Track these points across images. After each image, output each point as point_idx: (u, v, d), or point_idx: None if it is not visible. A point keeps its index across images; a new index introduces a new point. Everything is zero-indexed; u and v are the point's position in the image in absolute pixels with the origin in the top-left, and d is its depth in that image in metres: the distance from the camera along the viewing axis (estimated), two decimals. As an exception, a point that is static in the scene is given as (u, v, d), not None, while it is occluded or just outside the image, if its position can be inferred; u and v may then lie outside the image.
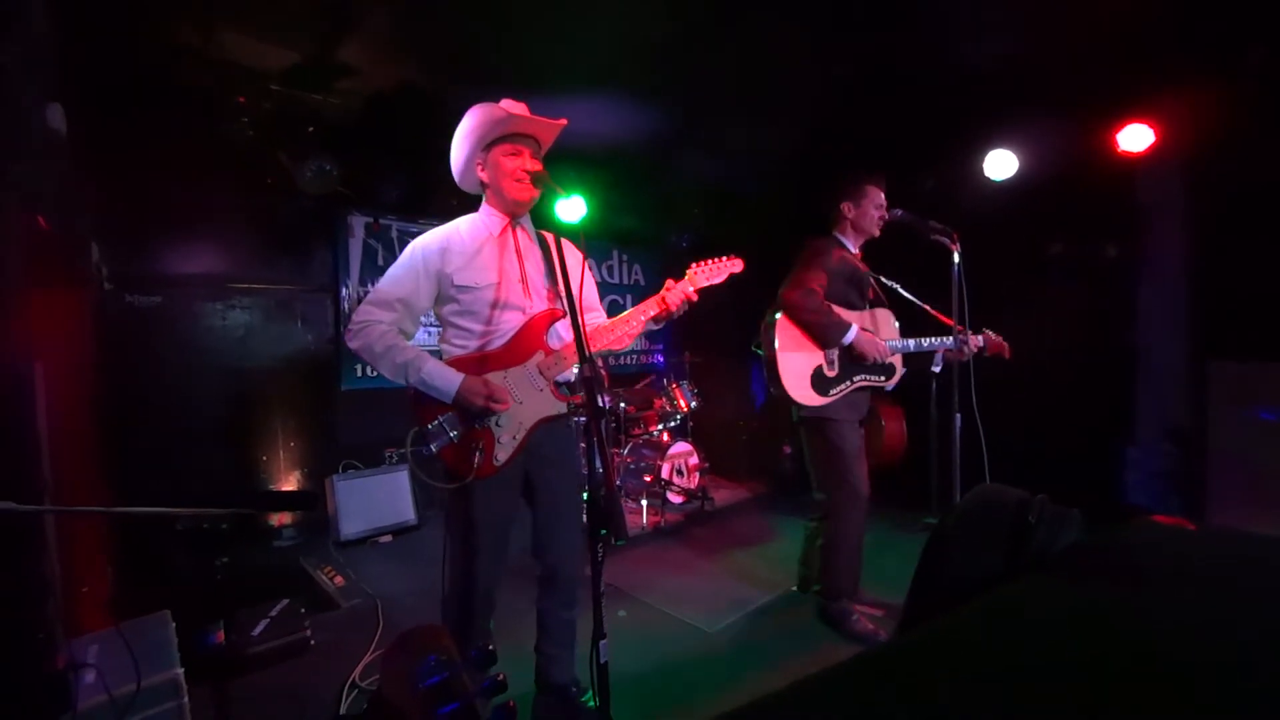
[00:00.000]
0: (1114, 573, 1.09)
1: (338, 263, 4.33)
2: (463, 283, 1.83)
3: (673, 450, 4.40)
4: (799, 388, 2.54)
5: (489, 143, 1.87)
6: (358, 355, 1.87)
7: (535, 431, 1.84)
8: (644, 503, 4.23)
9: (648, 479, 4.26)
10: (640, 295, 5.81)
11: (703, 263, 1.97)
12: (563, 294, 1.57)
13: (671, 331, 6.26)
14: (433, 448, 1.78)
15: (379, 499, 4.07)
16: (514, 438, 1.81)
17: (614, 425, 4.54)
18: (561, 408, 1.88)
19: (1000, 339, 2.69)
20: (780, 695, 0.76)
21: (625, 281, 6.02)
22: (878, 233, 2.71)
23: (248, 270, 3.97)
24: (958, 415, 2.64)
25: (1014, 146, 3.78)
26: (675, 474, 4.44)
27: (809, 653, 2.49)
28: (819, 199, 2.84)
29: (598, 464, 1.43)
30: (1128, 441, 3.78)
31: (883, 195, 2.67)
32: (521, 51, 3.13)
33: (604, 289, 5.73)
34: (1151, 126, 3.41)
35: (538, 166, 1.84)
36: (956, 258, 2.61)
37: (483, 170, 1.90)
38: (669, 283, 1.91)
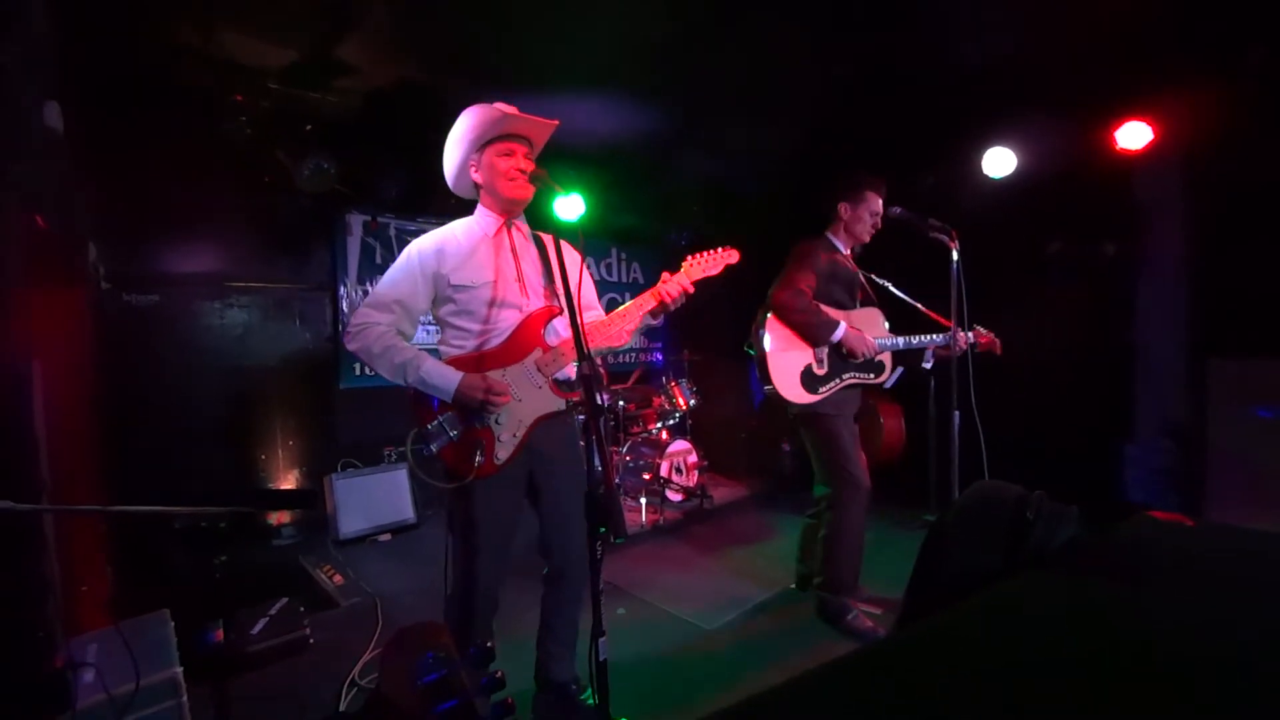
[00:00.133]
0: (1112, 569, 1.09)
1: (336, 261, 4.32)
2: (459, 282, 1.83)
3: (672, 448, 4.41)
4: (789, 386, 2.58)
5: (483, 143, 1.87)
6: (356, 356, 1.87)
7: (536, 429, 1.84)
8: (643, 501, 4.23)
9: (647, 477, 4.26)
10: (639, 294, 5.79)
11: (698, 254, 1.97)
12: (560, 292, 1.56)
13: (670, 330, 6.27)
14: (433, 448, 1.78)
15: (378, 498, 4.07)
16: (514, 435, 1.81)
17: (613, 423, 4.54)
18: (561, 404, 1.88)
19: (991, 335, 2.71)
20: (779, 691, 0.76)
21: (624, 280, 6.02)
22: (868, 239, 2.75)
23: (246, 269, 3.97)
24: (956, 413, 2.65)
25: (1012, 144, 3.79)
26: (674, 472, 4.44)
27: (807, 650, 2.49)
28: (818, 198, 2.85)
29: (596, 462, 1.43)
30: (1126, 439, 3.78)
31: (880, 203, 2.70)
32: (521, 51, 3.13)
33: (603, 287, 5.73)
34: (1150, 124, 3.41)
35: (531, 166, 1.85)
36: (955, 256, 2.62)
37: (476, 171, 1.91)
38: (665, 275, 1.91)
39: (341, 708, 2.20)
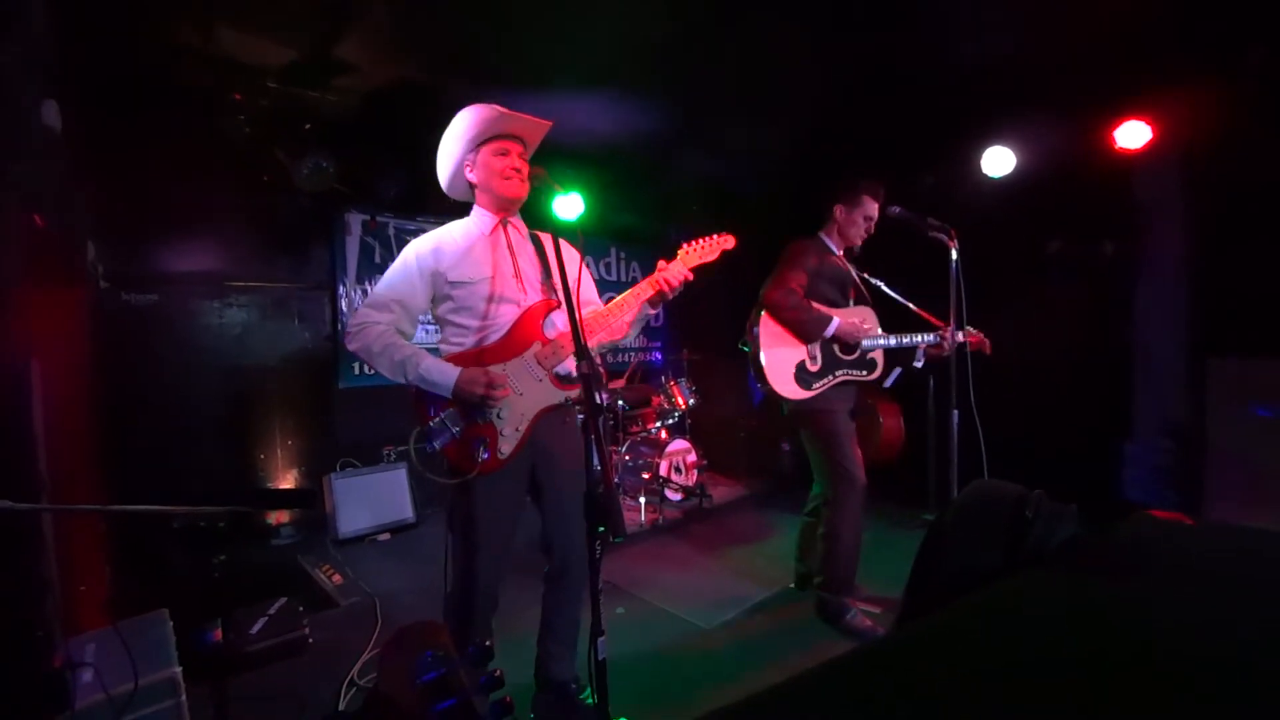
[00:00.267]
0: (1112, 568, 1.10)
1: (335, 261, 4.32)
2: (456, 279, 1.84)
3: (671, 448, 4.41)
4: (783, 382, 2.61)
5: (479, 143, 1.88)
6: (357, 356, 1.87)
7: (538, 423, 1.85)
8: (642, 500, 4.23)
9: (646, 476, 4.26)
10: (639, 294, 5.78)
11: (695, 241, 1.97)
12: (558, 287, 1.57)
13: (669, 329, 6.27)
14: (436, 445, 1.78)
15: (377, 497, 4.07)
16: (517, 429, 1.81)
17: (612, 423, 4.54)
18: (562, 397, 1.88)
19: (980, 335, 2.72)
20: (778, 690, 0.76)
21: (623, 279, 6.02)
22: (859, 243, 2.77)
23: (244, 268, 3.96)
24: (955, 412, 2.66)
25: (1012, 144, 3.79)
26: (673, 471, 4.44)
27: (807, 649, 2.49)
28: (818, 198, 2.86)
29: (595, 461, 1.43)
30: (1126, 438, 3.78)
31: (875, 208, 2.71)
32: (521, 51, 3.12)
33: (602, 286, 5.67)
34: (1149, 124, 3.41)
35: (525, 166, 1.88)
36: (954, 255, 2.63)
37: (472, 171, 1.91)
38: (661, 263, 1.91)
39: (341, 707, 2.20)
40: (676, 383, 4.68)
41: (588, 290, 2.11)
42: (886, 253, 2.95)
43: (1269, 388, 3.28)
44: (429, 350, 1.84)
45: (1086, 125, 3.59)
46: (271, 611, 2.57)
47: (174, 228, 3.67)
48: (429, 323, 2.15)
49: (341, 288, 4.32)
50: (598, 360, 1.84)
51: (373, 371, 4.33)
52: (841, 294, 2.77)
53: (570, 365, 1.87)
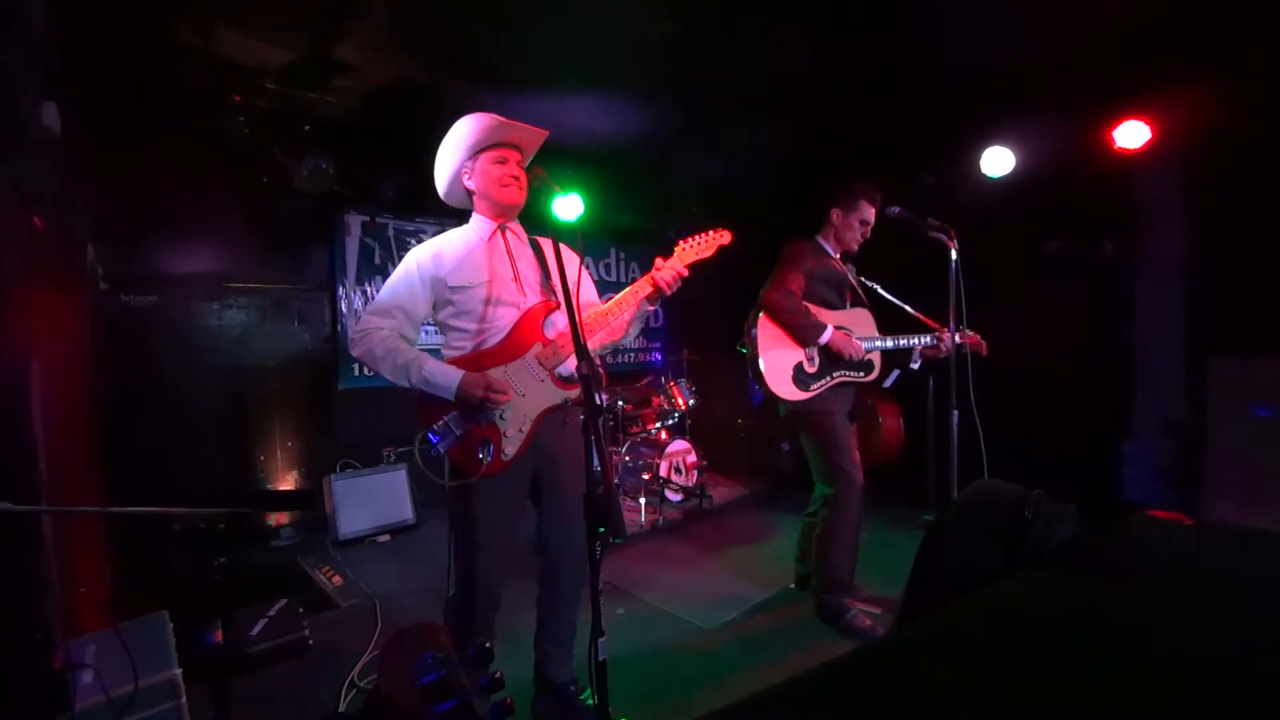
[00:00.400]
0: (1111, 568, 1.09)
1: (334, 262, 4.32)
2: (456, 283, 1.86)
3: (671, 448, 4.41)
4: (781, 383, 2.61)
5: (477, 151, 1.91)
6: (361, 362, 1.88)
7: (541, 423, 1.86)
8: (642, 501, 4.23)
9: (646, 477, 4.26)
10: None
11: (691, 238, 1.98)
12: (557, 289, 1.58)
13: (669, 330, 6.27)
14: (440, 447, 1.79)
15: (377, 498, 4.07)
16: (520, 430, 1.82)
17: (612, 423, 4.54)
18: (565, 397, 1.89)
19: (977, 336, 2.72)
20: (778, 691, 0.76)
21: (623, 279, 6.02)
22: (855, 247, 2.78)
23: (244, 269, 3.96)
24: (955, 412, 2.66)
25: (1011, 144, 3.79)
26: (673, 472, 4.44)
27: (807, 649, 2.49)
28: (817, 198, 2.86)
29: (595, 461, 1.43)
30: (1126, 438, 3.78)
31: (872, 213, 2.72)
32: (521, 51, 3.12)
33: (601, 286, 5.66)
34: (1148, 124, 3.41)
35: (523, 174, 1.90)
36: (954, 255, 2.63)
37: (470, 178, 1.94)
38: (658, 261, 1.93)
39: (341, 709, 2.20)
40: (676, 383, 4.68)
41: (588, 292, 2.12)
42: (886, 253, 2.95)
43: (1269, 388, 3.28)
44: (431, 352, 1.85)
45: (1086, 125, 3.59)
46: (272, 613, 2.57)
47: (174, 229, 3.68)
48: (428, 325, 2.17)
49: (341, 289, 4.32)
50: (597, 361, 1.84)
51: (372, 373, 4.32)
52: (838, 296, 2.78)
53: (571, 365, 1.88)
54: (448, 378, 1.76)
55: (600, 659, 1.37)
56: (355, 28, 2.90)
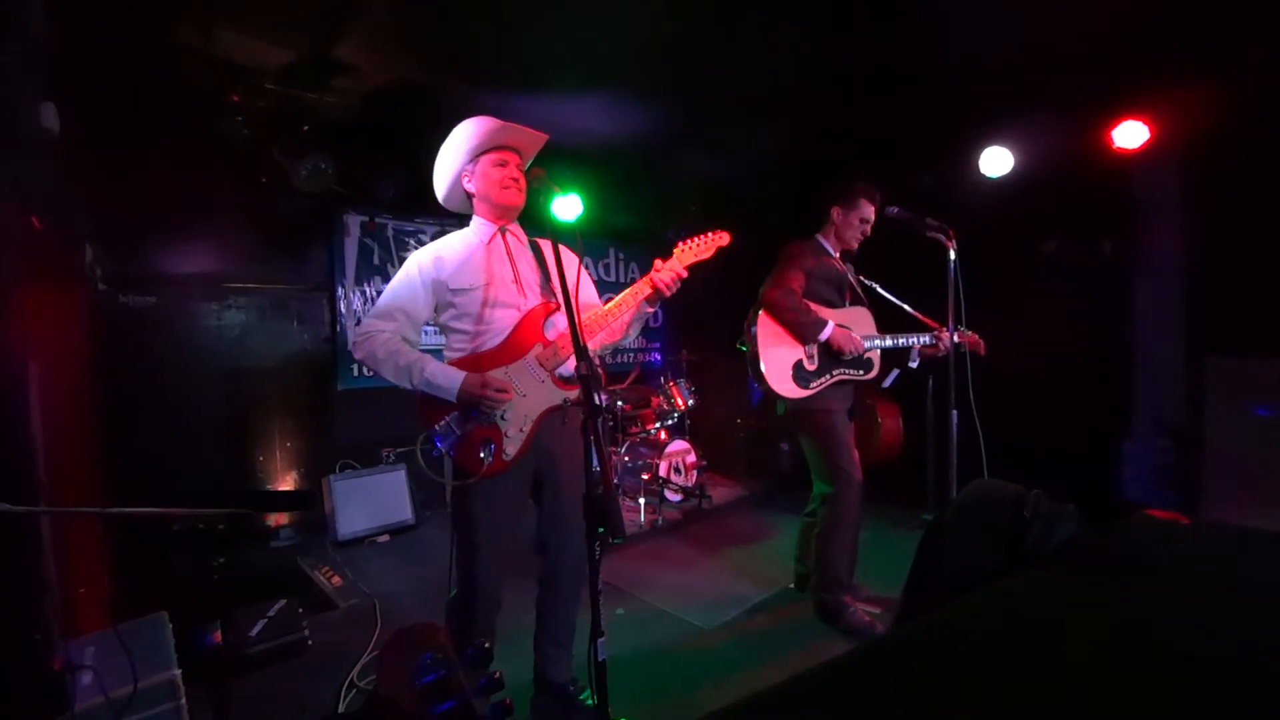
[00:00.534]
0: (1110, 567, 1.10)
1: (333, 262, 4.31)
2: (457, 286, 1.88)
3: (670, 448, 4.41)
4: (781, 381, 2.62)
5: (478, 154, 1.92)
6: (363, 364, 1.91)
7: (543, 424, 1.87)
8: (642, 501, 4.23)
9: (645, 477, 4.26)
10: (638, 294, 5.78)
11: (690, 239, 1.99)
12: (557, 291, 1.59)
13: (669, 330, 6.27)
14: (442, 447, 1.81)
15: (376, 498, 4.07)
16: (521, 430, 1.83)
17: (611, 424, 4.54)
18: (566, 397, 1.90)
19: (975, 336, 2.72)
20: (778, 690, 0.76)
21: (622, 280, 6.02)
22: (855, 245, 2.79)
23: (243, 270, 3.96)
24: (954, 412, 2.67)
25: (1010, 144, 3.79)
26: (673, 472, 4.44)
27: (806, 649, 2.49)
28: (817, 198, 2.87)
29: (594, 462, 1.44)
30: (1124, 437, 3.78)
31: (872, 210, 2.73)
32: (521, 51, 3.12)
33: (600, 287, 5.68)
34: (1147, 124, 3.41)
35: (523, 177, 1.91)
36: (953, 255, 2.64)
37: (470, 180, 1.95)
38: (657, 262, 1.94)
39: (340, 709, 2.20)
40: (676, 383, 4.68)
41: (588, 292, 2.13)
42: (885, 253, 2.95)
43: (1269, 388, 3.29)
44: (432, 353, 1.86)
45: (1085, 125, 3.59)
46: (271, 613, 2.56)
47: (173, 229, 3.67)
48: (430, 325, 2.18)
49: (340, 289, 4.32)
50: (597, 362, 1.85)
51: (371, 373, 4.32)
52: (838, 295, 2.79)
53: (571, 366, 1.89)
54: (449, 379, 1.77)
55: (600, 659, 1.37)
56: (355, 28, 2.90)
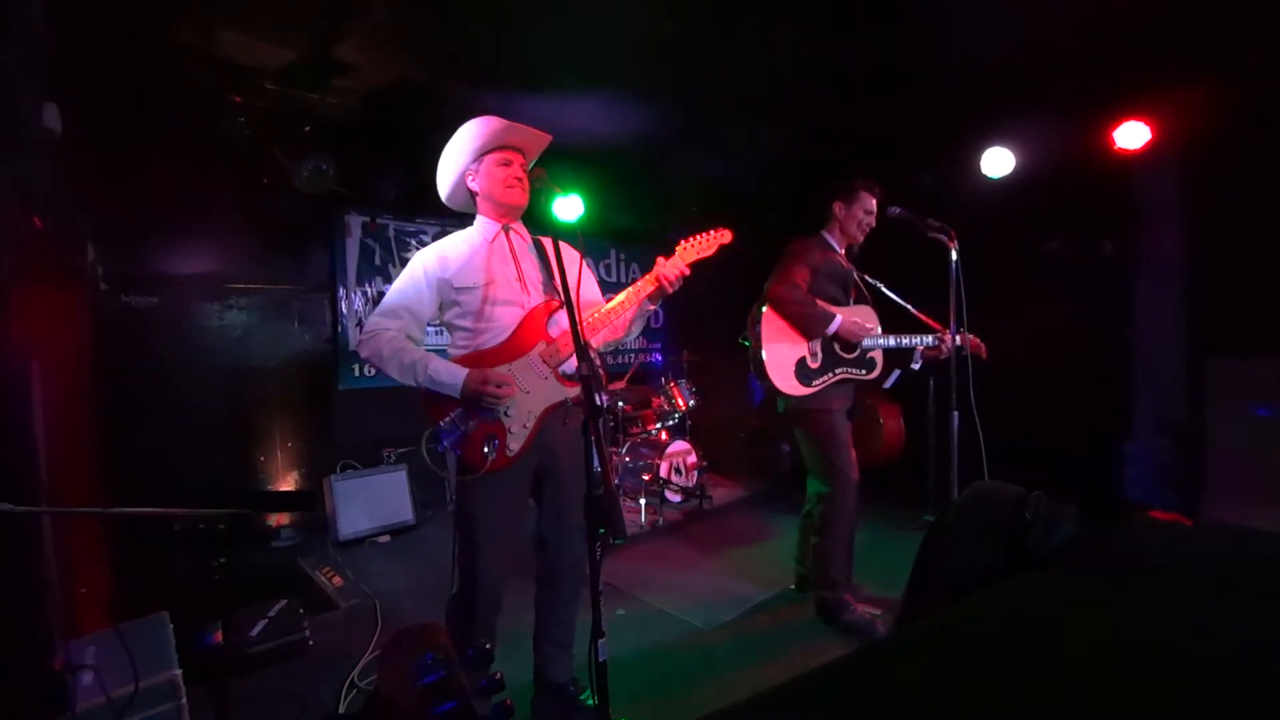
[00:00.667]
0: (1111, 568, 1.10)
1: (335, 262, 4.32)
2: (461, 284, 1.89)
3: (671, 449, 4.41)
4: (783, 377, 2.62)
5: (482, 153, 1.94)
6: (369, 362, 1.91)
7: (545, 421, 1.88)
8: (642, 501, 4.23)
9: (646, 478, 4.26)
10: (638, 294, 5.78)
11: (692, 237, 2.01)
12: (559, 289, 1.59)
13: (670, 330, 6.26)
14: (446, 443, 1.82)
15: (377, 499, 4.07)
16: (524, 426, 1.84)
17: (612, 424, 4.54)
18: (569, 394, 1.90)
19: (977, 340, 2.72)
20: (778, 690, 0.76)
21: (623, 280, 6.02)
22: (861, 239, 2.79)
23: (244, 270, 3.96)
24: (955, 413, 2.66)
25: (1011, 144, 3.79)
26: (673, 472, 4.44)
27: (807, 649, 2.49)
28: (818, 198, 2.87)
29: (595, 462, 1.44)
30: (1125, 438, 3.78)
31: (874, 202, 2.74)
32: (521, 51, 3.12)
33: (602, 287, 5.71)
34: (1148, 124, 3.41)
35: (526, 176, 1.93)
36: (954, 255, 2.63)
37: (474, 180, 1.97)
38: (660, 260, 1.95)
39: (341, 709, 2.20)
40: (676, 384, 4.68)
41: (590, 288, 2.14)
42: (887, 253, 2.96)
43: (1269, 388, 3.28)
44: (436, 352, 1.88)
45: (1086, 125, 3.59)
46: (272, 613, 2.57)
47: (174, 229, 3.67)
48: (434, 323, 2.19)
49: (341, 289, 4.32)
50: (598, 362, 1.85)
51: (373, 373, 4.35)
52: (843, 292, 2.79)
53: (574, 363, 1.89)
54: (453, 375, 1.78)
55: (600, 659, 1.37)
56: (355, 28, 2.90)
